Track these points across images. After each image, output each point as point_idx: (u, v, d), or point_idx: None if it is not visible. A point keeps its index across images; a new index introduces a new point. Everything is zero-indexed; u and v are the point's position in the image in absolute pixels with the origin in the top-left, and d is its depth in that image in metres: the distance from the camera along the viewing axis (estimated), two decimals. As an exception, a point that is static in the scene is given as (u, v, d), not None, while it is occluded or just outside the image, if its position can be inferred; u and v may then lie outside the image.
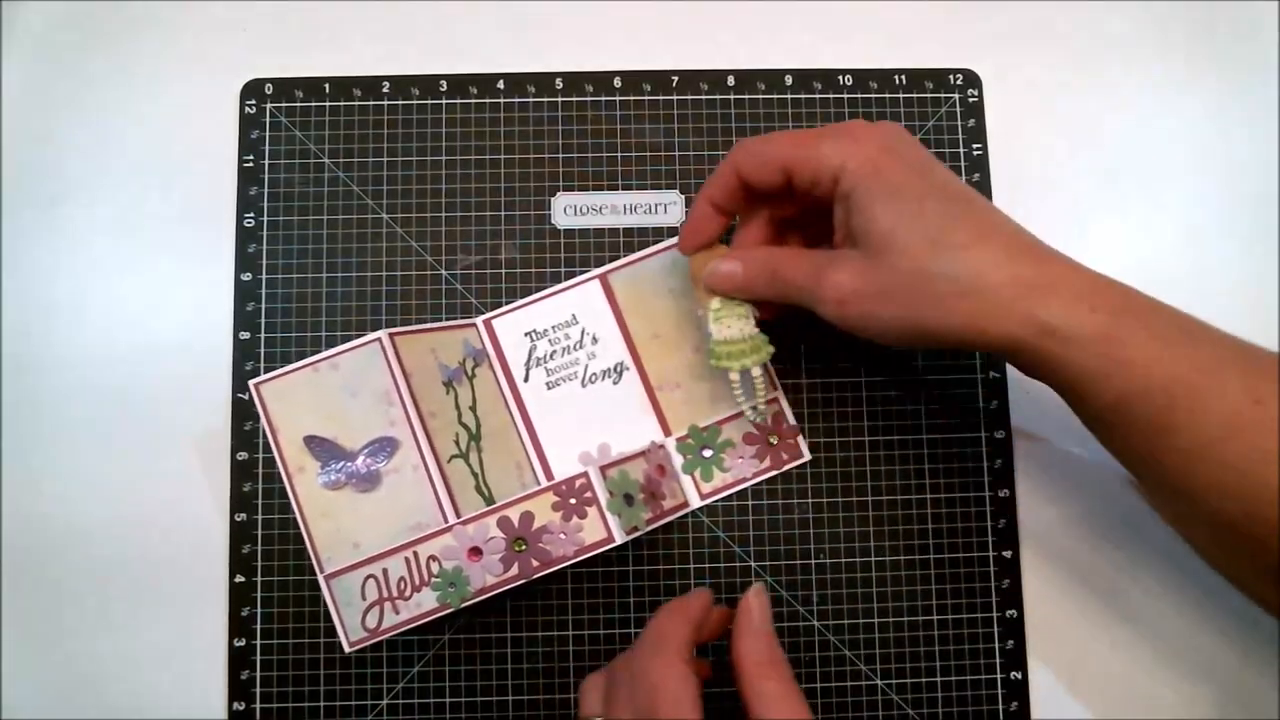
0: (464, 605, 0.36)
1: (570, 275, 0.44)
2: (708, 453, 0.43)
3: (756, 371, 0.39)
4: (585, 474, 0.37)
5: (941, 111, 0.46)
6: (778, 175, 0.36)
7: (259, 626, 0.41)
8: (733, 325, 0.39)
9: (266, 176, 0.44)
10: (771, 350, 0.39)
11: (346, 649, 0.37)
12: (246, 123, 0.45)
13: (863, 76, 0.46)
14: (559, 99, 0.45)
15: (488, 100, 0.45)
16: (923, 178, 0.34)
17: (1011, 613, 0.42)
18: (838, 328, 0.36)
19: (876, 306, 0.34)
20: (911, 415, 0.43)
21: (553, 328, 0.43)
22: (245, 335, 0.43)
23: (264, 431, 0.39)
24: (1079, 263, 0.34)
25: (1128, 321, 0.32)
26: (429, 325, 0.41)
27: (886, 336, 0.35)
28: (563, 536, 0.36)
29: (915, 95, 0.46)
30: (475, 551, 0.36)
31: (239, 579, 0.42)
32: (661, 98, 0.45)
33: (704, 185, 0.38)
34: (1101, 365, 0.32)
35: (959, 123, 0.45)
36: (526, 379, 0.43)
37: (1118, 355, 0.31)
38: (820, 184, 0.35)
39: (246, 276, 0.44)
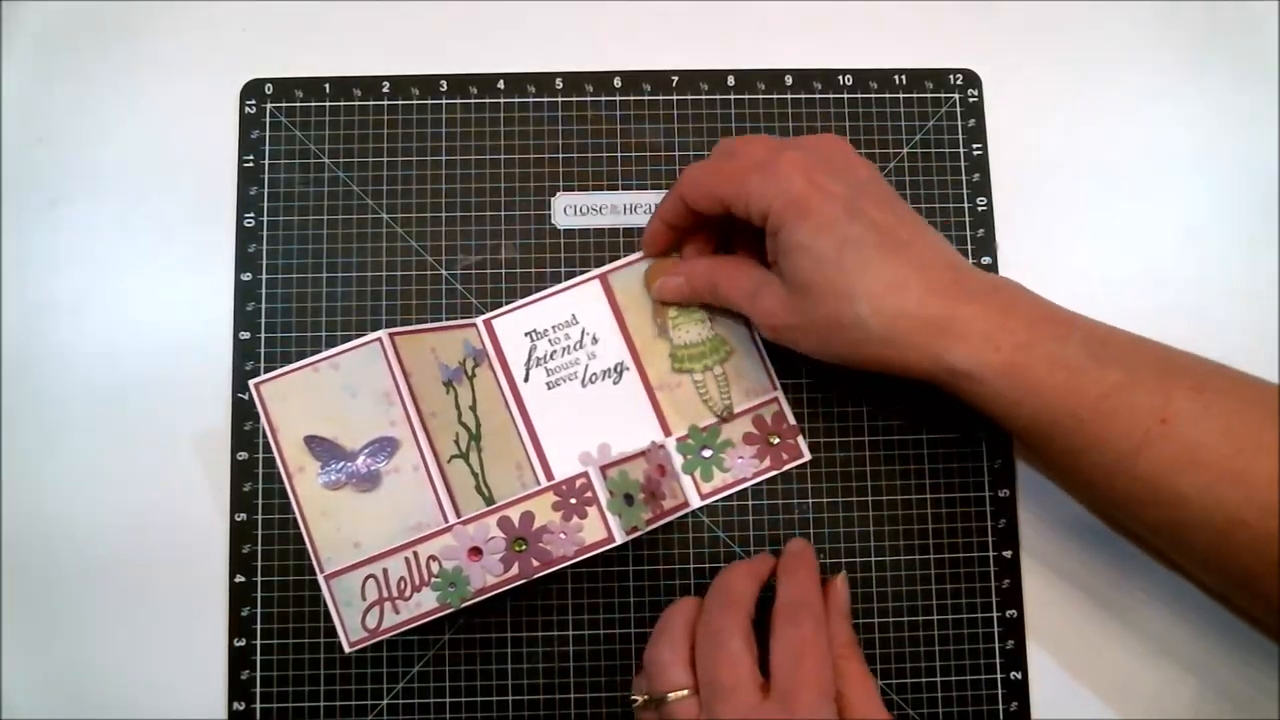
0: (464, 605, 0.36)
1: (570, 275, 0.44)
2: (708, 453, 0.43)
3: (718, 370, 0.42)
4: (585, 474, 0.37)
5: (941, 111, 0.46)
6: (717, 206, 0.38)
7: (259, 626, 0.41)
8: (691, 330, 0.42)
9: (266, 176, 0.44)
10: (730, 350, 0.43)
11: (346, 649, 0.37)
12: (246, 123, 0.45)
13: (863, 76, 0.46)
14: (559, 99, 0.45)
15: (488, 100, 0.45)
16: (848, 220, 0.35)
17: (1011, 613, 0.42)
18: (765, 337, 0.39)
19: (799, 336, 0.37)
20: (911, 415, 0.43)
21: (553, 328, 0.43)
22: (245, 335, 0.43)
23: (264, 431, 0.39)
24: (1004, 285, 0.36)
25: (1033, 354, 0.33)
26: (429, 325, 0.41)
27: (815, 356, 0.38)
28: (563, 536, 0.36)
29: (915, 95, 0.46)
30: (475, 551, 0.36)
31: (239, 579, 0.42)
32: (661, 98, 0.45)
33: (659, 203, 0.41)
34: (1011, 395, 0.34)
35: (959, 123, 0.45)
36: (526, 379, 0.43)
37: (1024, 385, 0.34)
38: (754, 219, 0.37)
39: (246, 276, 0.44)
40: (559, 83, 0.45)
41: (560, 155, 0.45)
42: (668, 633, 0.36)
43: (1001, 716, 0.42)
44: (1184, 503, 0.32)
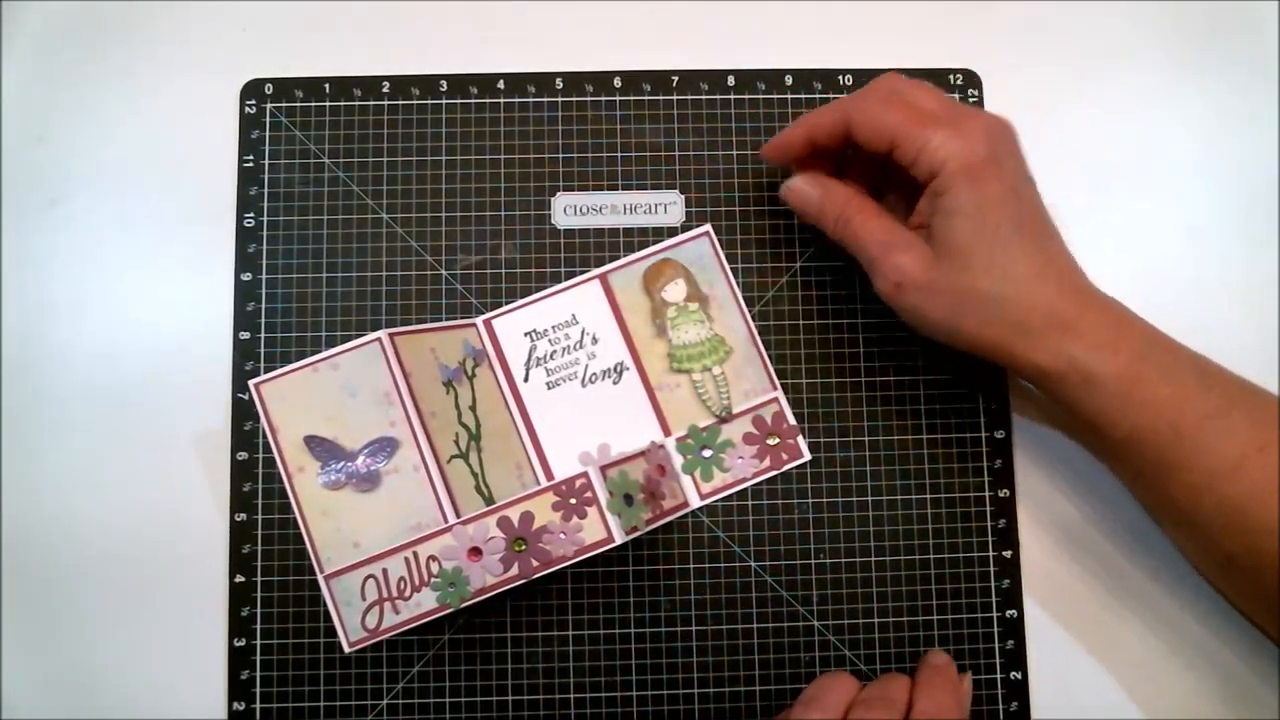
0: (464, 605, 0.36)
1: (570, 275, 0.44)
2: (708, 453, 0.43)
3: (717, 370, 0.42)
4: (585, 474, 0.37)
5: (941, 111, 0.46)
6: (884, 143, 0.37)
7: (259, 626, 0.41)
8: (690, 330, 0.42)
9: (266, 176, 0.44)
10: (730, 350, 0.42)
11: (346, 649, 0.37)
12: (246, 123, 0.45)
13: (863, 76, 0.46)
14: (559, 99, 0.45)
15: (488, 100, 0.45)
16: (1014, 200, 0.36)
17: (1011, 613, 0.42)
18: (882, 302, 0.38)
19: (927, 301, 0.36)
20: (911, 415, 0.43)
21: (553, 328, 0.43)
22: (245, 335, 0.43)
23: (264, 431, 0.39)
24: (1115, 302, 0.37)
25: (1147, 365, 0.35)
26: (429, 325, 0.41)
27: (922, 328, 0.38)
28: (563, 536, 0.36)
29: (915, 95, 0.46)
30: (475, 551, 0.36)
31: (239, 579, 0.42)
32: (661, 98, 0.45)
33: (811, 114, 0.39)
34: (1118, 403, 0.35)
35: (959, 123, 0.45)
36: (526, 379, 0.43)
37: (1134, 395, 0.34)
38: (919, 169, 0.36)
39: (246, 276, 0.44)
40: (559, 83, 0.45)
41: (560, 155, 0.45)
42: (821, 701, 0.36)
43: (1001, 716, 0.42)
44: (1268, 532, 0.33)
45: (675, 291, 0.42)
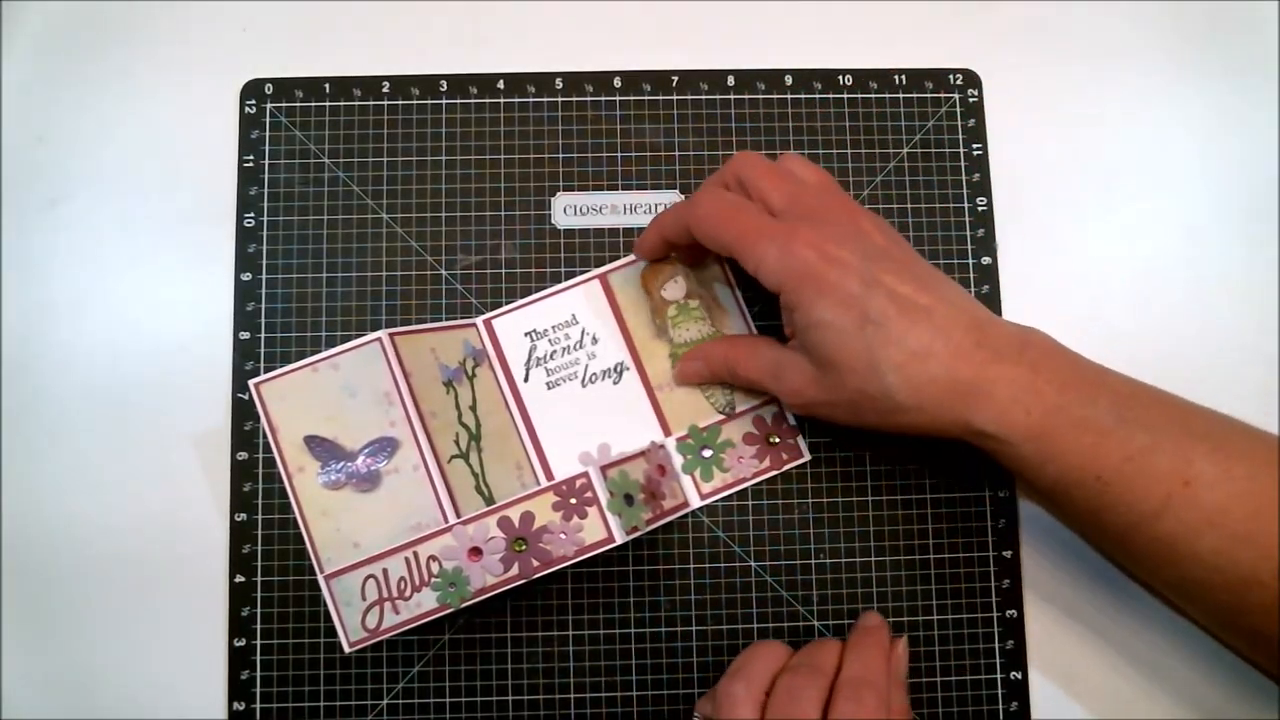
0: (464, 605, 0.36)
1: (570, 275, 0.44)
2: (708, 453, 0.43)
3: None
4: (585, 474, 0.37)
5: (941, 111, 0.46)
6: (725, 253, 0.37)
7: (259, 626, 0.41)
8: (690, 328, 0.42)
9: (266, 176, 0.44)
10: None
11: (346, 649, 0.37)
12: (246, 123, 0.45)
13: (863, 76, 0.46)
14: (559, 99, 0.45)
15: (488, 100, 0.45)
16: (866, 289, 0.34)
17: (1011, 613, 0.42)
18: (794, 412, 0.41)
19: (829, 412, 0.37)
20: (911, 415, 0.43)
21: (553, 328, 0.43)
22: (245, 335, 0.43)
23: (264, 431, 0.39)
24: (1028, 340, 0.35)
25: (1061, 417, 0.34)
26: (429, 325, 0.41)
27: (848, 426, 0.38)
28: (563, 536, 0.36)
29: (915, 95, 0.46)
30: (475, 551, 0.36)
31: (239, 579, 0.42)
32: (661, 98, 0.45)
33: (662, 215, 0.40)
34: (1035, 460, 0.34)
35: (959, 123, 0.45)
36: (526, 379, 0.43)
37: (1050, 450, 0.34)
38: (763, 283, 0.36)
39: (246, 276, 0.44)
40: (559, 83, 0.45)
41: (560, 155, 0.45)
42: (747, 671, 0.36)
43: (1001, 716, 0.42)
44: (1201, 563, 0.33)
45: (675, 290, 0.42)
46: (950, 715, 0.42)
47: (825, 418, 0.38)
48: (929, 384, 0.34)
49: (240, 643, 0.41)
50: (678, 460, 0.43)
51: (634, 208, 0.44)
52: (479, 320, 0.43)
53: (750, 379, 0.39)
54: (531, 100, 0.45)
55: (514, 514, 0.36)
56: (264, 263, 0.44)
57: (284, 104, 0.45)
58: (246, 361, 0.43)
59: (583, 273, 0.44)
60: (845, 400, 0.36)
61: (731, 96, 0.45)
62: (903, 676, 0.37)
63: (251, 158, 0.44)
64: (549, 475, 0.42)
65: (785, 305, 0.36)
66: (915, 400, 0.34)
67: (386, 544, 0.37)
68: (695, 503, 0.42)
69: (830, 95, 0.46)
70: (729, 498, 0.43)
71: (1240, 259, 0.45)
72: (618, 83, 0.45)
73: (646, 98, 0.45)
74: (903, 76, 0.46)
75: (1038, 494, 0.37)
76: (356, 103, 0.45)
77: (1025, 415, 0.34)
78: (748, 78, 0.46)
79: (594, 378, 0.43)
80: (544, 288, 0.44)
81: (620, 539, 0.36)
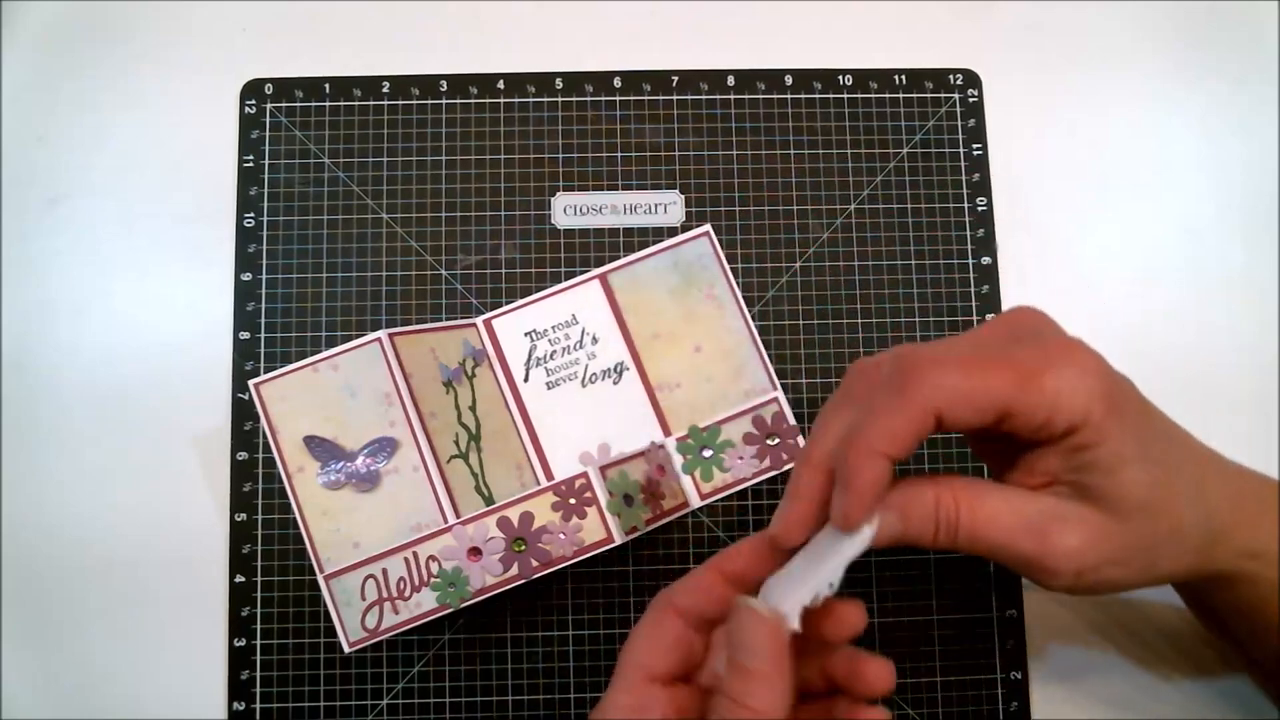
0: (464, 605, 0.36)
1: (570, 275, 0.44)
2: (708, 453, 0.43)
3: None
4: (585, 474, 0.37)
5: (941, 111, 0.46)
6: (991, 419, 0.28)
7: (259, 626, 0.41)
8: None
9: (266, 176, 0.44)
10: None
11: (346, 649, 0.37)
12: (246, 123, 0.45)
13: (863, 76, 0.46)
14: (559, 99, 0.45)
15: (488, 100, 0.45)
16: (1152, 422, 0.30)
17: (1011, 613, 0.42)
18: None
19: (1119, 571, 0.29)
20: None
21: (553, 328, 0.43)
22: (245, 335, 0.43)
23: (264, 431, 0.39)
24: (1246, 467, 0.33)
25: None
26: (429, 325, 0.41)
27: (1122, 588, 0.31)
28: (562, 537, 0.36)
29: (915, 95, 0.46)
30: (475, 552, 0.36)
31: (239, 579, 0.42)
32: (661, 98, 0.45)
33: (872, 434, 0.28)
34: None
35: (959, 123, 0.45)
36: (526, 379, 0.43)
37: None
38: (1048, 431, 0.28)
39: (246, 276, 0.44)
40: (559, 83, 0.45)
41: (560, 155, 0.45)
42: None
43: (1001, 716, 0.42)
44: None
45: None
46: (950, 715, 0.42)
47: (1106, 584, 0.30)
48: (1226, 504, 0.30)
49: (240, 643, 0.41)
50: (678, 460, 0.43)
51: (634, 208, 0.44)
52: (479, 320, 0.43)
53: (990, 535, 0.29)
54: (531, 100, 0.45)
55: (513, 514, 0.36)
56: (264, 263, 0.44)
57: (284, 104, 0.45)
58: (246, 361, 0.43)
59: (583, 273, 0.44)
60: (1150, 544, 0.29)
61: (731, 96, 0.45)
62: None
63: (251, 158, 0.44)
64: (549, 475, 0.42)
65: (1077, 443, 0.28)
66: (1216, 521, 0.30)
67: (386, 544, 0.37)
68: (695, 503, 0.42)
69: (830, 95, 0.46)
70: (729, 498, 0.43)
71: (1240, 259, 0.45)
72: (618, 83, 0.45)
73: (646, 98, 0.45)
74: (903, 76, 0.46)
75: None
76: (356, 103, 0.45)
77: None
78: (748, 78, 0.46)
79: (594, 378, 0.43)
80: (544, 288, 0.44)
81: (620, 539, 0.36)
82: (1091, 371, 0.28)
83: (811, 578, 0.29)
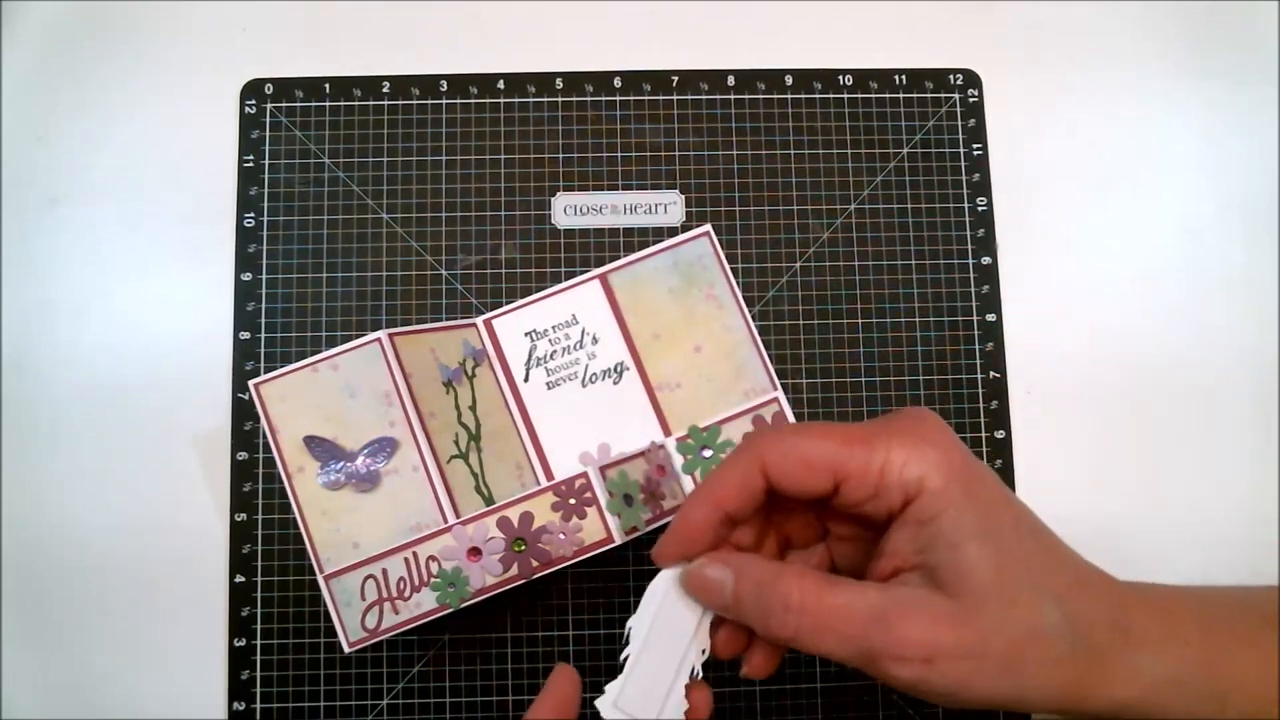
0: (464, 605, 0.36)
1: (570, 275, 0.44)
2: (708, 453, 0.43)
3: None
4: (585, 474, 0.37)
5: (941, 111, 0.46)
6: (823, 483, 0.28)
7: (259, 626, 0.41)
8: None
9: (266, 176, 0.44)
10: None
11: (346, 649, 0.37)
12: (246, 123, 0.45)
13: (863, 76, 0.46)
14: (559, 99, 0.45)
15: (488, 100, 0.45)
16: (1007, 505, 0.28)
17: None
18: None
19: (971, 672, 0.26)
20: (911, 415, 0.43)
21: (553, 328, 0.43)
22: (245, 335, 0.43)
23: (264, 431, 0.39)
24: (1149, 583, 0.30)
25: (1219, 636, 0.28)
26: (429, 325, 0.41)
27: (967, 703, 0.27)
28: (562, 537, 0.36)
29: (915, 95, 0.46)
30: (475, 552, 0.36)
31: (239, 579, 0.42)
32: (661, 98, 0.45)
33: (706, 485, 0.29)
34: (1214, 702, 0.27)
35: (959, 123, 0.45)
36: (526, 379, 0.43)
37: (1221, 676, 0.28)
38: (882, 501, 0.28)
39: (246, 276, 0.44)
40: (559, 83, 0.45)
41: (560, 155, 0.45)
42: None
43: (1001, 716, 0.42)
44: None
45: None
46: (950, 714, 0.42)
47: (959, 685, 0.27)
48: (1101, 613, 0.28)
49: (240, 643, 0.41)
50: (678, 460, 0.43)
51: (634, 208, 0.44)
52: (479, 320, 0.43)
53: (828, 623, 0.27)
54: (531, 100, 0.45)
55: (513, 514, 0.36)
56: (264, 263, 0.44)
57: (284, 104, 0.45)
58: (246, 361, 0.43)
59: (583, 273, 0.44)
60: (1004, 644, 0.26)
61: (731, 96, 0.45)
62: None
63: (251, 158, 0.44)
64: (549, 475, 0.42)
65: (915, 516, 0.27)
66: (1090, 634, 0.27)
67: (386, 544, 0.37)
68: (695, 503, 0.42)
69: (830, 95, 0.46)
70: (729, 498, 0.42)
71: (1240, 259, 0.45)
72: (618, 83, 0.45)
73: (646, 98, 0.45)
74: (903, 76, 0.46)
75: None
76: (356, 103, 0.45)
77: (1184, 645, 0.28)
78: (748, 78, 0.46)
79: (594, 378, 0.43)
80: (544, 288, 0.44)
81: (619, 539, 0.36)
82: (931, 441, 0.27)
83: (664, 680, 0.30)
